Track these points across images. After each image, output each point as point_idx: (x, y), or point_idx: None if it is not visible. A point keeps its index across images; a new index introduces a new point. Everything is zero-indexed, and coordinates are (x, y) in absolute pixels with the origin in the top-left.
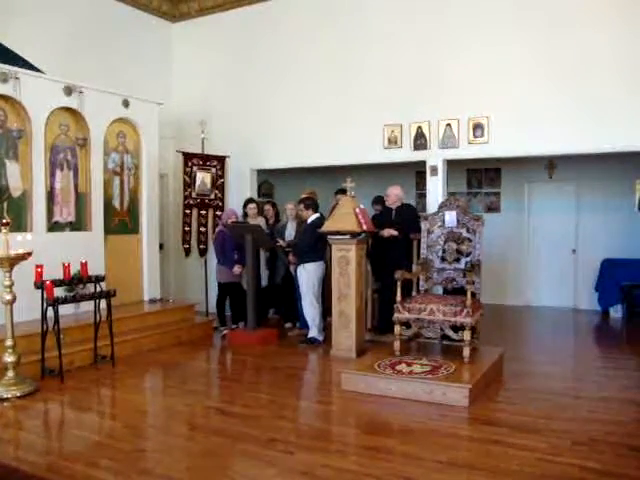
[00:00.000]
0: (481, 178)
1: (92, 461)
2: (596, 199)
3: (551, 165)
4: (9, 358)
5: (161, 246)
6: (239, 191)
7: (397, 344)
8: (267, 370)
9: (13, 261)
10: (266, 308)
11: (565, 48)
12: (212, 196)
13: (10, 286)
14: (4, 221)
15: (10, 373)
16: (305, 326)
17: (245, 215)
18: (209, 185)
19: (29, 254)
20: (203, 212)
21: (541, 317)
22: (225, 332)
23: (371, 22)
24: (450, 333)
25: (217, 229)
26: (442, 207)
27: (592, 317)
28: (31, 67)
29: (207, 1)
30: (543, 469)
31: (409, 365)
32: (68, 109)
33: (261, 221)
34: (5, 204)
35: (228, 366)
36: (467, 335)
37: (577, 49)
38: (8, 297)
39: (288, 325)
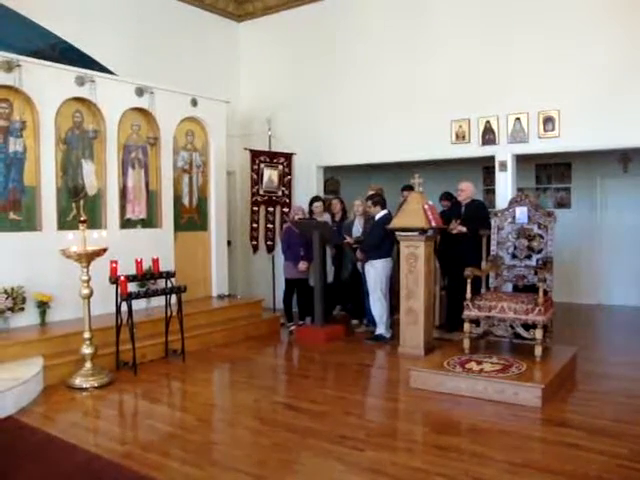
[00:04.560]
0: (550, 173)
1: (165, 451)
2: None
3: (626, 158)
4: (87, 350)
5: (229, 243)
6: (306, 188)
7: (467, 342)
8: (334, 366)
9: (90, 257)
10: (332, 305)
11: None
12: (279, 193)
13: (87, 281)
14: (82, 218)
15: (88, 364)
16: (372, 323)
17: (311, 212)
18: (276, 182)
19: (104, 250)
20: (270, 209)
21: (614, 316)
22: (292, 328)
23: (437, 16)
24: (521, 331)
25: (284, 225)
26: (512, 203)
27: None
28: (104, 70)
29: (272, 0)
30: (626, 477)
31: (479, 363)
32: (139, 109)
33: (327, 218)
34: (82, 202)
35: (295, 362)
36: (539, 334)
37: None
38: (86, 291)
39: (355, 322)
